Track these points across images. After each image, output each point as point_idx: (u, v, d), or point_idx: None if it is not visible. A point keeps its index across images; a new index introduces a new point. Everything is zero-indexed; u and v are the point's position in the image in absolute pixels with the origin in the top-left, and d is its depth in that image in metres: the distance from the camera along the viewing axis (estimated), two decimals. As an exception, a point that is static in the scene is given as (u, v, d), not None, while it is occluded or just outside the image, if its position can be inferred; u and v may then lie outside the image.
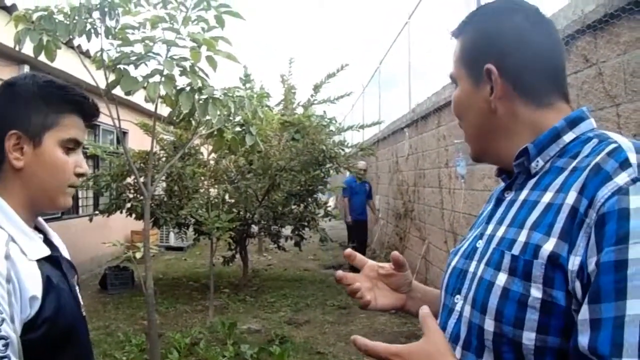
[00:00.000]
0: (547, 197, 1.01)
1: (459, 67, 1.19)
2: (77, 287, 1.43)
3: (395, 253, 1.38)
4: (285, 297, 8.37)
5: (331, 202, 17.61)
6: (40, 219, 1.43)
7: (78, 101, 1.37)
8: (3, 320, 1.10)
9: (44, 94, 1.33)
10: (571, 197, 0.95)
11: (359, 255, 1.44)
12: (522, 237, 1.00)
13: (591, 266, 0.88)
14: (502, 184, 1.29)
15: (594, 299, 0.86)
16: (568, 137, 1.07)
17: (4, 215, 1.26)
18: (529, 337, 0.94)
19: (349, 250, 1.44)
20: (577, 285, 0.89)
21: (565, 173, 1.02)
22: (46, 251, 1.30)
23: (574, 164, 1.02)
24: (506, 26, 1.12)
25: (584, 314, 0.87)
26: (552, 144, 1.07)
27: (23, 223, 1.27)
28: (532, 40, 1.12)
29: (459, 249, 1.24)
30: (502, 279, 1.00)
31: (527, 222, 1.02)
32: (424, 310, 1.07)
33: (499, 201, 1.17)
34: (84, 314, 1.43)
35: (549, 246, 0.94)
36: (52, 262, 1.31)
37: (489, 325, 1.00)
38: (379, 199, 12.96)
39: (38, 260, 1.25)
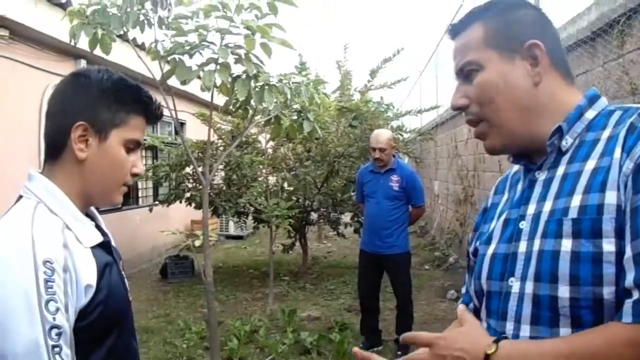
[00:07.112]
0: (591, 164, 1.08)
1: (485, 50, 1.21)
2: (123, 272, 1.46)
3: (355, 350, 1.25)
4: (345, 284, 8.29)
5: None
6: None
7: (146, 103, 1.40)
8: (57, 309, 1.12)
9: (116, 90, 1.35)
10: (617, 154, 1.03)
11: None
12: (576, 202, 1.05)
13: (628, 209, 0.97)
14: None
15: (634, 236, 0.94)
16: (590, 114, 1.16)
17: (57, 202, 1.27)
18: (610, 292, 0.98)
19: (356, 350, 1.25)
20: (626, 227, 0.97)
21: (602, 142, 1.09)
22: (99, 237, 1.33)
23: (607, 133, 1.10)
24: (530, 12, 1.23)
25: (627, 253, 0.95)
26: (578, 122, 1.15)
27: (76, 210, 1.30)
28: (552, 26, 1.24)
29: (489, 237, 1.26)
30: (567, 244, 1.03)
31: (577, 189, 1.07)
32: (461, 307, 1.24)
33: (531, 182, 1.19)
34: (130, 298, 1.47)
35: (611, 200, 1.00)
36: (104, 247, 1.34)
37: (564, 292, 1.02)
38: (438, 184, 12.62)
39: (92, 247, 1.29)
